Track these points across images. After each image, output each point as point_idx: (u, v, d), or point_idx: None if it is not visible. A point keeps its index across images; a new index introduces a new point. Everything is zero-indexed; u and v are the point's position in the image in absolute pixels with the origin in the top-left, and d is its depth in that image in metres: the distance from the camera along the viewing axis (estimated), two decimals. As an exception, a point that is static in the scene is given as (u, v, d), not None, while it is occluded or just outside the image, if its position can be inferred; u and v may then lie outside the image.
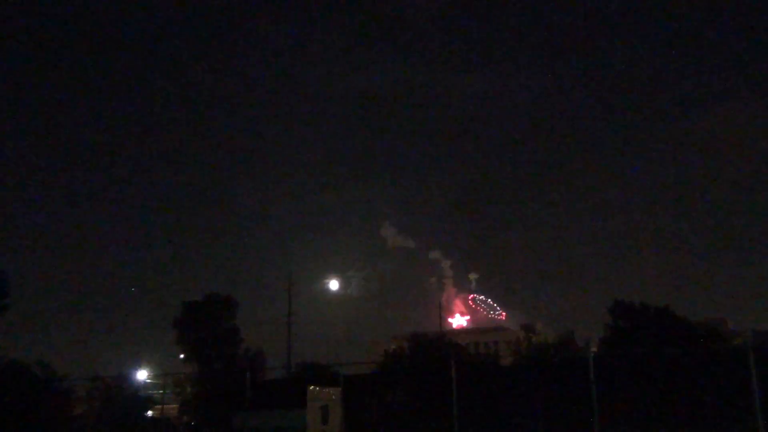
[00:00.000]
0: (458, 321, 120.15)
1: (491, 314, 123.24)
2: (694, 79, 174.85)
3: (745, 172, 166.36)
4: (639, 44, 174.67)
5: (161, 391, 33.20)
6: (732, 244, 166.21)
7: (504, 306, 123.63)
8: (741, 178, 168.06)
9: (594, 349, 27.14)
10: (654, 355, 21.84)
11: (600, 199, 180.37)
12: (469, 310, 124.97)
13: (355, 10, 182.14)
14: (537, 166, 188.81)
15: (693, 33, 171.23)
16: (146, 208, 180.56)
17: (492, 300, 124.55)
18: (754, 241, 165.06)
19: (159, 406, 32.77)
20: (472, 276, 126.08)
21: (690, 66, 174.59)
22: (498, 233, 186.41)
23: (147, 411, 33.40)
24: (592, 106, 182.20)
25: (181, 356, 37.74)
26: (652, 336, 24.89)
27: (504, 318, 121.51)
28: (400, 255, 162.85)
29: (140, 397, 33.44)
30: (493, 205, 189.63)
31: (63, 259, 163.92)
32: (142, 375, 38.11)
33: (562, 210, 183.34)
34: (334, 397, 25.80)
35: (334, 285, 47.42)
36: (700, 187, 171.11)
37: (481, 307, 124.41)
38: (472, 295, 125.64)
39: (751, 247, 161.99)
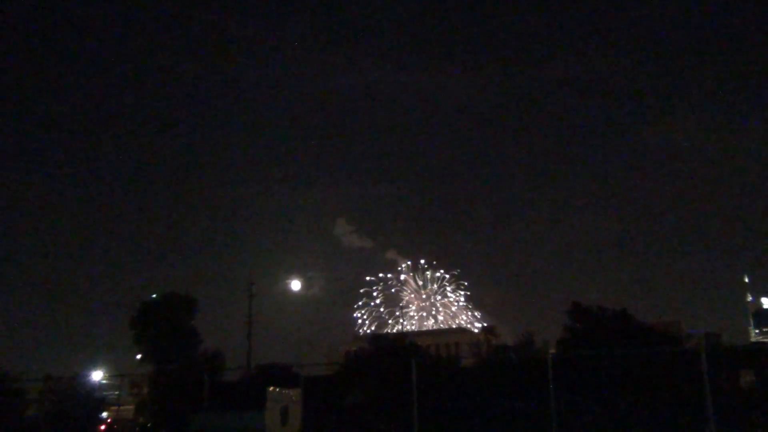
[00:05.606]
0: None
1: (451, 316, 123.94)
2: (648, 87, 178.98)
3: (701, 178, 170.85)
4: (606, 52, 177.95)
5: (117, 392, 32.76)
6: (687, 249, 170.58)
7: (465, 308, 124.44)
8: (697, 184, 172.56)
9: (552, 350, 27.66)
10: (610, 357, 22.43)
11: (558, 202, 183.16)
12: (429, 312, 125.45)
13: (317, 9, 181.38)
14: (495, 168, 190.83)
15: (647, 44, 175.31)
16: (104, 205, 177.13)
17: (453, 301, 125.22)
18: (708, 246, 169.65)
19: (114, 408, 32.31)
20: (431, 276, 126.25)
21: (648, 74, 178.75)
22: (456, 234, 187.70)
23: (102, 412, 32.93)
24: (551, 110, 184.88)
25: (138, 356, 37.34)
26: (608, 338, 25.54)
27: (464, 320, 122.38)
28: (356, 255, 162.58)
29: (95, 398, 32.95)
30: (450, 206, 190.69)
31: (15, 256, 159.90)
32: (97, 375, 37.51)
33: (520, 212, 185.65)
34: (293, 398, 25.92)
35: (295, 285, 47.22)
36: (656, 192, 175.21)
37: (441, 309, 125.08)
38: (431, 296, 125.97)
39: (705, 253, 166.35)
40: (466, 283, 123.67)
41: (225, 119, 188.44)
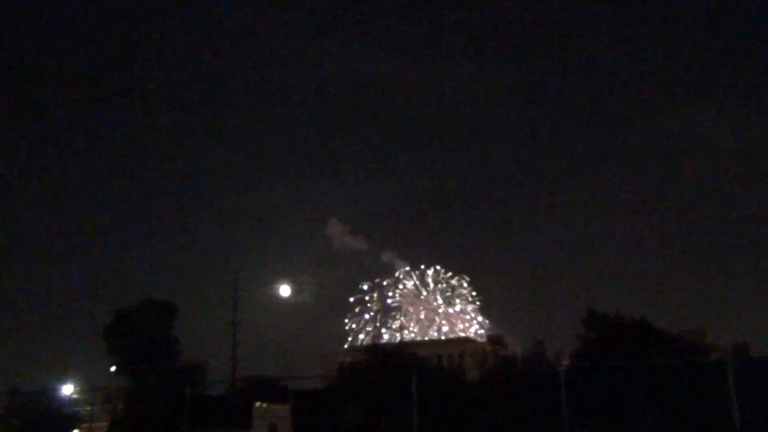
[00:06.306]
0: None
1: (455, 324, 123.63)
2: (672, 74, 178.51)
3: (727, 178, 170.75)
4: (616, 43, 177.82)
5: (89, 408, 32.63)
6: (712, 254, 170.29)
7: (469, 315, 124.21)
8: (723, 185, 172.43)
9: (566, 362, 27.57)
10: (629, 369, 22.25)
11: (574, 203, 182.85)
12: (430, 320, 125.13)
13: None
14: (506, 166, 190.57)
15: (666, 34, 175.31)
16: (74, 204, 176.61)
17: (457, 311, 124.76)
18: (735, 251, 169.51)
19: (86, 424, 32.21)
20: (433, 281, 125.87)
21: (672, 59, 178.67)
22: (459, 236, 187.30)
23: (73, 429, 32.84)
24: (565, 105, 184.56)
25: (113, 369, 37.14)
26: (627, 348, 25.38)
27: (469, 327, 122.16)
28: (350, 257, 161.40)
29: (65, 415, 32.85)
30: (453, 206, 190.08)
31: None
32: (67, 390, 37.38)
33: (532, 213, 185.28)
34: (282, 414, 25.70)
35: (285, 291, 47.04)
36: (680, 193, 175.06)
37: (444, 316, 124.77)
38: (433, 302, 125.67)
39: (732, 257, 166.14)
40: (474, 293, 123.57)
41: (207, 113, 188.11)
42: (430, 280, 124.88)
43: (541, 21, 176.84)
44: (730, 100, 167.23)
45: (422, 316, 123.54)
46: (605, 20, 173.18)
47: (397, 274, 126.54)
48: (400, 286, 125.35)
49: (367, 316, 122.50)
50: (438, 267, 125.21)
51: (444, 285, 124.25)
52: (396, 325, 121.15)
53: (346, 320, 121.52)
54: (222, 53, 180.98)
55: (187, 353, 38.05)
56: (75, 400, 35.87)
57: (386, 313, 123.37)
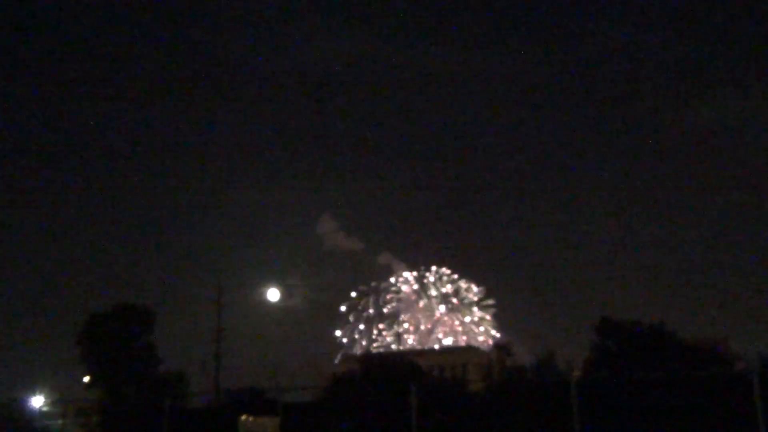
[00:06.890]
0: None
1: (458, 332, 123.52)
2: (690, 62, 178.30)
3: (751, 176, 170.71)
4: (627, 30, 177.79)
5: (61, 421, 32.51)
6: (736, 256, 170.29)
7: (474, 323, 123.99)
8: (748, 183, 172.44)
9: (577, 372, 27.44)
10: (645, 380, 22.14)
11: (586, 201, 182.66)
12: (431, 327, 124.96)
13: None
14: (511, 160, 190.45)
15: (688, 19, 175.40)
16: (46, 203, 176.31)
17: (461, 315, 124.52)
18: (762, 253, 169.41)
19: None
20: (434, 285, 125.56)
21: (690, 46, 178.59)
22: (462, 236, 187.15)
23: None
24: (576, 92, 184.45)
25: (86, 379, 37.01)
26: (643, 358, 25.28)
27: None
28: (344, 258, 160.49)
29: (35, 428, 32.69)
30: (456, 204, 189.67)
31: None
32: (37, 401, 37.21)
33: (541, 213, 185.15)
34: (271, 428, 25.65)
35: (273, 295, 46.80)
36: (701, 192, 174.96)
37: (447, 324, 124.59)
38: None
39: (758, 258, 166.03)
40: (483, 297, 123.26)
41: (192, 108, 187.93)
42: (431, 284, 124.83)
43: (556, 8, 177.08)
44: (759, 94, 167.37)
45: (422, 327, 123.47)
46: (624, 7, 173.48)
47: (394, 277, 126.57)
48: (395, 288, 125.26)
49: (362, 326, 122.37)
50: (441, 270, 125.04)
51: (447, 288, 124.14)
52: (393, 334, 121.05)
53: (340, 331, 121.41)
54: (206, 39, 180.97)
55: (166, 362, 37.98)
56: (45, 412, 35.67)
57: (383, 320, 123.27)
